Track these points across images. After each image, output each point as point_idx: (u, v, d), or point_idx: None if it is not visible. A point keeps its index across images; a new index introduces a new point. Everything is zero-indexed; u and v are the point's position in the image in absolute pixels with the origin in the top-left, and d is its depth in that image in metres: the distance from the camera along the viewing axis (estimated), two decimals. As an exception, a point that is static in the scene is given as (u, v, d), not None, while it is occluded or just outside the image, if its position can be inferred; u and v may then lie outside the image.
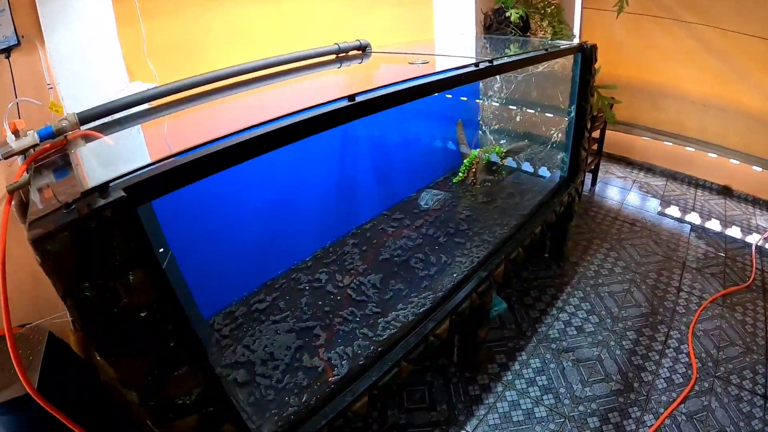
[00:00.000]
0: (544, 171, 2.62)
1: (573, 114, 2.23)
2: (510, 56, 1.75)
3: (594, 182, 3.48)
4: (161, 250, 1.32)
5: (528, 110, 2.68)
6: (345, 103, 1.09)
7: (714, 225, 2.91)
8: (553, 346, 1.98)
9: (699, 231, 2.83)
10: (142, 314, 0.78)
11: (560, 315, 2.18)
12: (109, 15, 1.44)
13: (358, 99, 1.12)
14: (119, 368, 0.79)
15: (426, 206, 2.35)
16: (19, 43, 1.36)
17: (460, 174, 2.55)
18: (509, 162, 2.64)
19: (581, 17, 3.13)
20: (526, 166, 2.69)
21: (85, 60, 1.42)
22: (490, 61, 1.54)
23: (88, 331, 0.75)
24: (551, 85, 2.41)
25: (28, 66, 1.41)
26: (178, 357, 0.85)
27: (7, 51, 1.34)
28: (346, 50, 1.79)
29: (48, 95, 1.42)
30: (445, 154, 2.78)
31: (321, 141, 1.40)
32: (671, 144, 3.48)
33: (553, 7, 2.86)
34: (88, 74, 1.44)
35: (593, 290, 2.32)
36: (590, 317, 2.15)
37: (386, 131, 2.33)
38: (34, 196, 0.83)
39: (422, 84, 1.30)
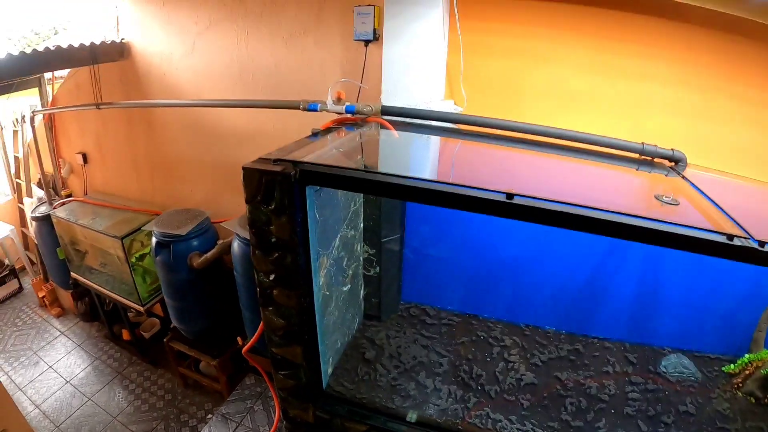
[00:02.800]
0: None
1: None
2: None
3: None
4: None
5: None
6: (633, 221, 0.99)
7: None
8: None
9: None
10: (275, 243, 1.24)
11: None
12: (441, 39, 1.85)
13: (643, 223, 0.98)
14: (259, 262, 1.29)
15: (664, 371, 1.77)
16: (376, 39, 2.09)
17: (733, 366, 1.87)
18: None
19: None
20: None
21: (411, 67, 1.91)
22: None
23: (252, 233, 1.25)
24: None
25: (374, 57, 2.11)
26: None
27: (366, 42, 2.13)
28: (652, 155, 1.55)
29: (380, 83, 2.03)
30: (728, 327, 2.04)
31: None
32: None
33: None
34: (410, 79, 1.91)
35: None
36: None
37: (665, 260, 1.82)
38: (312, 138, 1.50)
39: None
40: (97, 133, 3.36)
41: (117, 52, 2.98)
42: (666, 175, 1.51)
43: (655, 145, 1.53)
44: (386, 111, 1.62)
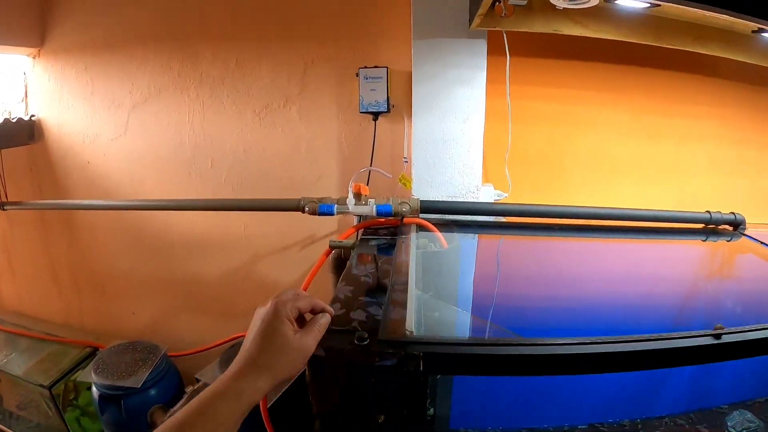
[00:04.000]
0: None
1: None
2: None
3: None
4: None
5: None
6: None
7: None
8: None
9: None
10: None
11: None
12: (479, 112, 1.40)
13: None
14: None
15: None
16: (388, 111, 1.55)
17: None
18: None
19: None
20: None
21: (445, 148, 1.42)
22: None
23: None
24: None
25: (391, 134, 1.61)
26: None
27: (376, 114, 1.56)
28: (717, 222, 1.51)
29: (401, 167, 1.58)
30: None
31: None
32: None
33: None
34: (443, 162, 1.43)
35: None
36: None
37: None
38: (353, 261, 1.00)
39: None
40: (3, 237, 2.51)
41: (25, 134, 2.20)
42: (730, 240, 1.49)
43: (719, 212, 1.49)
44: (425, 208, 1.29)
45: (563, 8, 1.04)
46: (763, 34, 1.35)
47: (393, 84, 1.53)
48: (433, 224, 1.26)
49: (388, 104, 1.51)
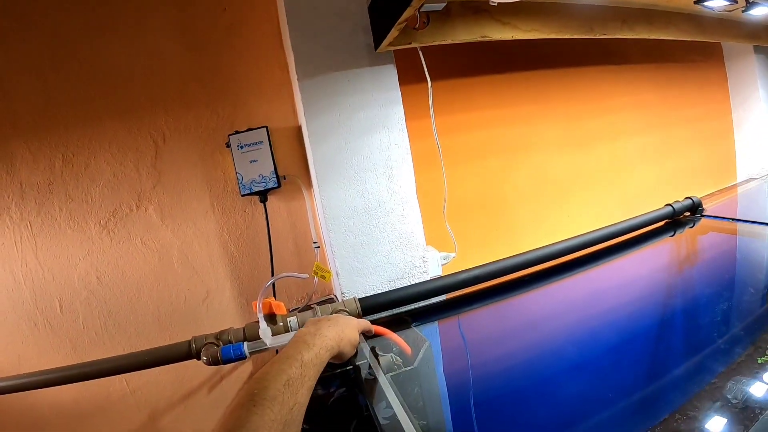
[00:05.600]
0: None
1: None
2: None
3: None
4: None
5: None
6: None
7: None
8: None
9: None
10: None
11: None
12: (406, 162, 1.05)
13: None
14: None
15: (736, 400, 1.45)
16: (279, 186, 1.12)
17: None
18: None
19: None
20: None
21: (370, 218, 1.02)
22: None
23: None
24: None
25: (289, 216, 1.18)
26: None
27: (263, 194, 1.12)
28: (680, 212, 1.48)
29: (311, 255, 1.17)
30: None
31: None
32: None
33: None
34: (373, 238, 1.02)
35: None
36: None
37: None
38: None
39: None
40: None
41: None
42: (691, 227, 1.47)
43: (678, 201, 1.47)
44: (368, 307, 0.95)
45: (489, 6, 0.70)
46: (704, 3, 1.17)
47: (279, 147, 1.13)
48: (382, 326, 0.89)
49: (277, 177, 1.09)
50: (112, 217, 1.21)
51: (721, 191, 1.97)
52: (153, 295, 1.19)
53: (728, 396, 1.55)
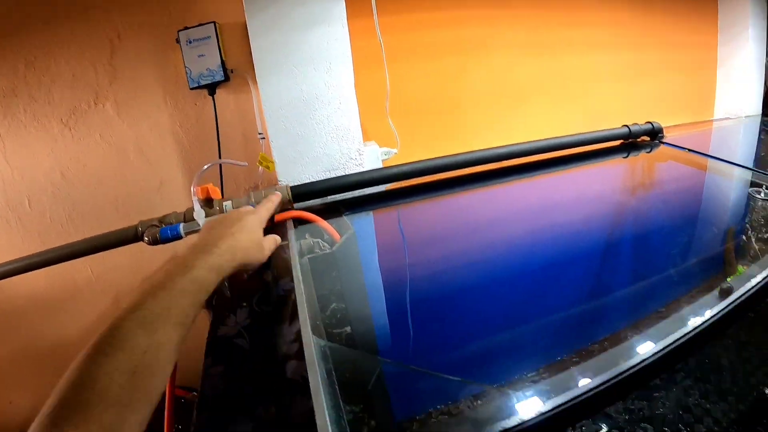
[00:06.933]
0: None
1: None
2: None
3: None
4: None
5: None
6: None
7: None
8: None
9: None
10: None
11: None
12: (345, 56, 1.05)
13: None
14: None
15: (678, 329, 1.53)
16: (227, 79, 1.15)
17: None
18: None
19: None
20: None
21: (308, 110, 1.04)
22: None
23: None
24: None
25: (237, 108, 1.21)
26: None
27: (212, 87, 1.16)
28: (637, 135, 1.46)
29: (258, 147, 1.21)
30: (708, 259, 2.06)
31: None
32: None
33: None
34: (310, 129, 1.05)
35: None
36: None
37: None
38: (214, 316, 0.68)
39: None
40: None
41: None
42: (648, 152, 1.46)
43: (636, 124, 1.45)
44: (299, 194, 0.98)
45: None
46: None
47: (227, 43, 1.16)
48: (314, 213, 0.94)
49: (224, 70, 1.13)
50: (72, 115, 1.26)
51: (694, 124, 1.94)
52: (112, 186, 1.25)
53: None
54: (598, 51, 1.69)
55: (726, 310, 0.61)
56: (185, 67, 1.12)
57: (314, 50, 1.03)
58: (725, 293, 0.65)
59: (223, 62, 1.12)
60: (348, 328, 0.71)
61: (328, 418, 0.40)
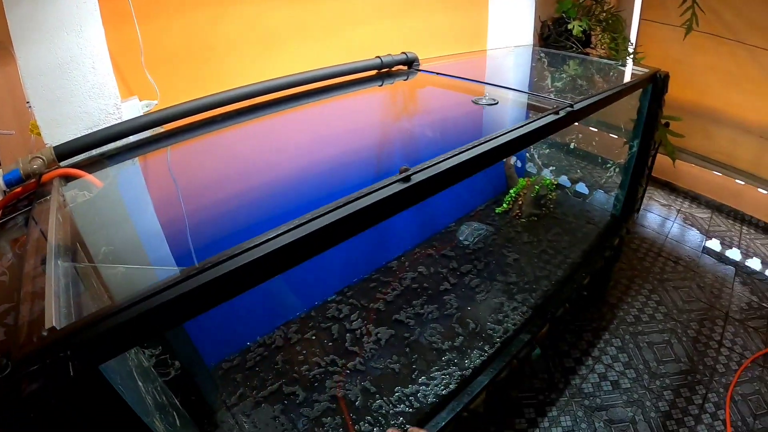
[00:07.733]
0: (596, 202, 2.31)
1: (635, 149, 1.86)
2: (589, 98, 1.35)
3: (638, 209, 3.01)
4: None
5: (585, 136, 2.53)
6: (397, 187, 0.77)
7: (760, 269, 2.47)
8: (586, 402, 1.68)
9: (744, 275, 2.42)
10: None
11: (596, 366, 1.84)
12: (94, 17, 1.10)
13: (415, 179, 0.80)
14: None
15: (467, 242, 2.00)
16: None
17: (505, 205, 2.24)
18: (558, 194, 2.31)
19: (638, 30, 2.85)
20: (577, 201, 2.35)
21: (63, 74, 1.10)
22: (571, 106, 1.23)
23: None
24: (612, 113, 1.94)
25: (5, 79, 1.21)
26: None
27: None
28: (390, 65, 1.56)
29: (29, 115, 1.16)
30: (488, 179, 2.42)
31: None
32: (720, 175, 3.06)
33: (615, 18, 2.49)
34: (67, 91, 1.11)
35: (632, 339, 1.99)
36: (627, 371, 1.84)
37: (422, 150, 1.70)
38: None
39: (495, 148, 0.97)
40: None
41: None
42: (405, 79, 1.61)
43: (390, 55, 1.57)
44: (63, 153, 1.05)
45: None
46: None
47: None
48: (80, 169, 1.02)
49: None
50: None
51: (464, 53, 2.18)
52: None
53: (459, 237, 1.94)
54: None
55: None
56: None
57: (65, 15, 1.08)
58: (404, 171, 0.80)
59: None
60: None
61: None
